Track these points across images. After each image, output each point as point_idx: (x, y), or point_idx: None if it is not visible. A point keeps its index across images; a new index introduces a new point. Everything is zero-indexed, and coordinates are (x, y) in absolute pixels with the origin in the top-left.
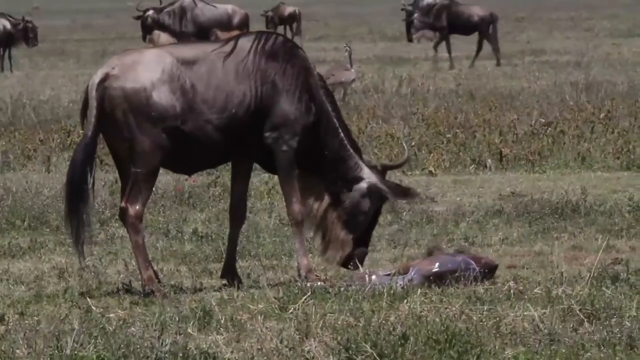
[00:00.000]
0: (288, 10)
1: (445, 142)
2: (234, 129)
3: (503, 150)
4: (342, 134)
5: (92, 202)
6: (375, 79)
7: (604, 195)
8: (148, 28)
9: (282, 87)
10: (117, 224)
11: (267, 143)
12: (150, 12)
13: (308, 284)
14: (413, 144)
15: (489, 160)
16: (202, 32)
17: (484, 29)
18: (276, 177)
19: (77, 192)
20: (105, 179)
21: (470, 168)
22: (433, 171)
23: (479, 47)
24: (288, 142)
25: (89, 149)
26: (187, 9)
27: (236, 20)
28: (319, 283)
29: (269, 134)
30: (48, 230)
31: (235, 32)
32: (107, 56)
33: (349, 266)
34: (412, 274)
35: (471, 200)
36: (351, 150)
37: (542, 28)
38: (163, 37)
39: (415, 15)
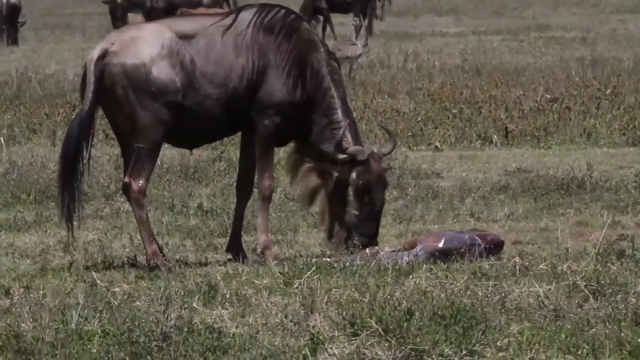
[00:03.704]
0: None
1: (451, 117)
2: (235, 102)
3: (509, 126)
4: (335, 115)
5: (85, 177)
6: (381, 54)
7: (609, 171)
8: (122, 11)
9: (274, 62)
10: (122, 199)
11: (250, 115)
12: None
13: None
14: (419, 119)
15: (495, 136)
16: (172, 9)
17: (361, 7)
18: (281, 151)
19: (70, 167)
20: (110, 153)
21: (476, 143)
22: (439, 146)
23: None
24: (272, 117)
25: (84, 124)
26: None
27: None
28: (275, 261)
29: (254, 106)
30: (53, 204)
31: (202, 10)
32: (112, 30)
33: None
34: (418, 250)
35: (477, 176)
36: (337, 132)
37: (548, 4)
38: (138, 18)
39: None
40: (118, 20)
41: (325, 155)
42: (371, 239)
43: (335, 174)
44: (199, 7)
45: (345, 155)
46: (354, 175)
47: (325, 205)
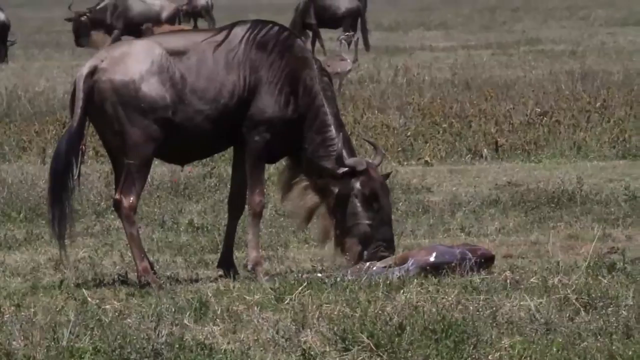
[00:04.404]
0: (200, 2)
1: (441, 132)
2: (225, 119)
3: (499, 139)
4: (329, 132)
5: (76, 194)
6: (370, 69)
7: (600, 185)
8: (85, 29)
9: (266, 78)
10: (112, 216)
11: (242, 131)
12: (87, 14)
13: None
14: (409, 134)
15: (485, 150)
16: (133, 27)
17: (351, 21)
18: (272, 167)
19: (60, 183)
20: (100, 170)
21: (466, 158)
22: (429, 161)
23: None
24: (262, 133)
25: (73, 140)
26: (119, 3)
27: (165, 14)
28: (266, 277)
29: (245, 122)
30: (44, 221)
31: (166, 27)
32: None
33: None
34: (410, 264)
35: (467, 190)
36: (333, 149)
37: (537, 17)
38: (99, 36)
39: None
40: (82, 38)
41: (324, 170)
42: (390, 243)
43: (336, 189)
44: (158, 23)
45: (345, 169)
46: (358, 185)
47: (327, 222)
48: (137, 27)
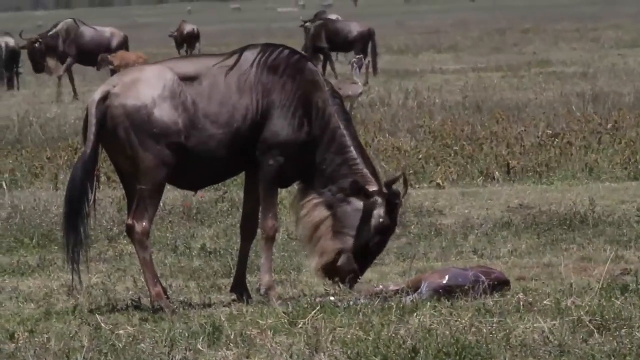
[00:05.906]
0: (187, 29)
1: (452, 154)
2: (238, 143)
3: (511, 162)
4: (351, 153)
5: (91, 220)
6: (381, 93)
7: (612, 206)
8: (41, 55)
9: (279, 102)
10: (125, 241)
11: (255, 155)
12: (40, 41)
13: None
14: (420, 156)
15: (497, 173)
16: (86, 54)
17: (362, 45)
18: (283, 191)
19: (76, 210)
20: (113, 196)
21: (478, 180)
22: (441, 184)
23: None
24: (276, 157)
25: (88, 166)
26: (71, 30)
27: (115, 42)
28: (279, 301)
29: (259, 145)
30: (57, 248)
31: (120, 53)
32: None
33: (338, 280)
34: (423, 287)
35: (480, 213)
36: (357, 168)
37: (547, 39)
38: (53, 62)
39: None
40: (38, 64)
41: (353, 184)
42: (355, 276)
43: (346, 206)
44: (108, 51)
45: (376, 189)
46: (382, 212)
47: (327, 231)
48: (89, 55)
